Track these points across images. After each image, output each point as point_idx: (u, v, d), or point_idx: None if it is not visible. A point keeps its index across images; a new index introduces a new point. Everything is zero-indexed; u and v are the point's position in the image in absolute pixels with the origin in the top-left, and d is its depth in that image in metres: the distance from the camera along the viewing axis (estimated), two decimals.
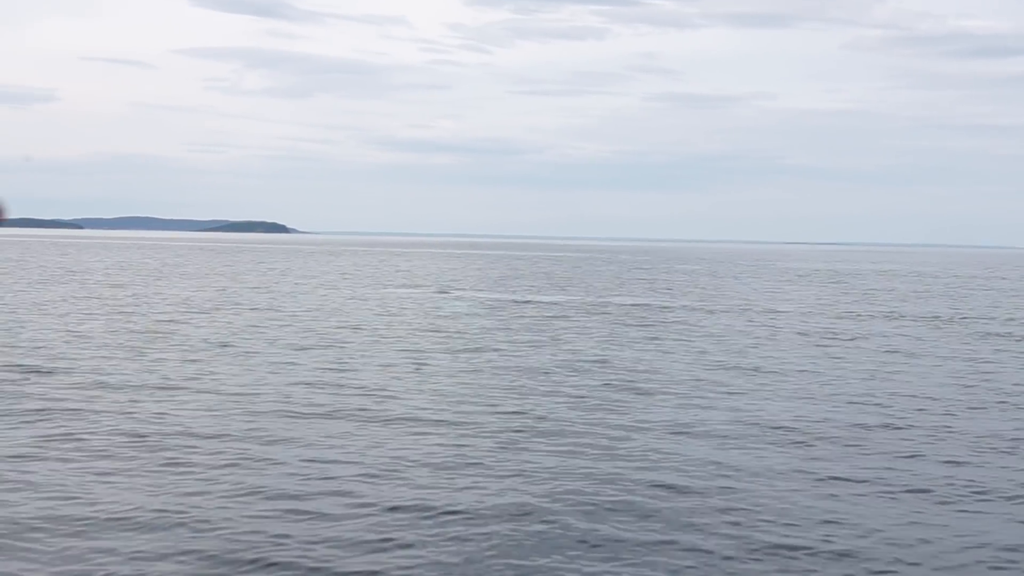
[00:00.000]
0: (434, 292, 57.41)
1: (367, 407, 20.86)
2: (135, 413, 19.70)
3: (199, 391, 22.51)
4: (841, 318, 46.81)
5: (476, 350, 31.10)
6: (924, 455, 17.60)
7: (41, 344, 30.43)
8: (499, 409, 20.95)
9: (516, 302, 52.68)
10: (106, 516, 12.79)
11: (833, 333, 39.30)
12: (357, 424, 19.12)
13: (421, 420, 19.61)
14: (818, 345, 34.94)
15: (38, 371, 24.93)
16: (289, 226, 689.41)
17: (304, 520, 12.85)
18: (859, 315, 48.85)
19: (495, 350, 31.18)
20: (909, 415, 21.42)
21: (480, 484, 14.74)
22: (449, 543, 12.08)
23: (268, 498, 13.77)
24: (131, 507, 13.16)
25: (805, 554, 12.07)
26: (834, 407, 22.29)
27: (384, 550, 11.85)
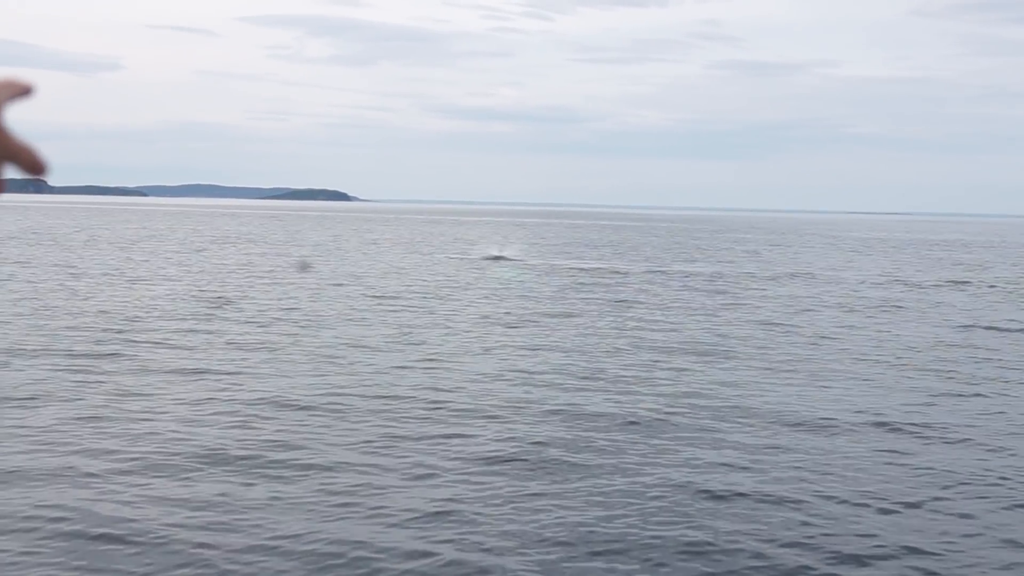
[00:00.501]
0: (490, 259, 56.77)
1: (456, 367, 20.71)
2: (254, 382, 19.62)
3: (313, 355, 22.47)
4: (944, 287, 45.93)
5: (553, 317, 30.90)
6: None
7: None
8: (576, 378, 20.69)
9: (585, 270, 52.33)
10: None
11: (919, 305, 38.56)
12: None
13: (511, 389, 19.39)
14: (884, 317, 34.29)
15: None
16: (351, 194, 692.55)
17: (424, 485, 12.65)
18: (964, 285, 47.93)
19: (570, 316, 31.00)
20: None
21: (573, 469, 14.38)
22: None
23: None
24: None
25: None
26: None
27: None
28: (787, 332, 28.35)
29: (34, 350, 21.91)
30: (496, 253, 59.13)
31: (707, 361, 22.74)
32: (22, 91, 1.45)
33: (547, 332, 27.19)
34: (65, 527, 10.70)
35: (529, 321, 29.37)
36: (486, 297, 36.50)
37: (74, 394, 17.55)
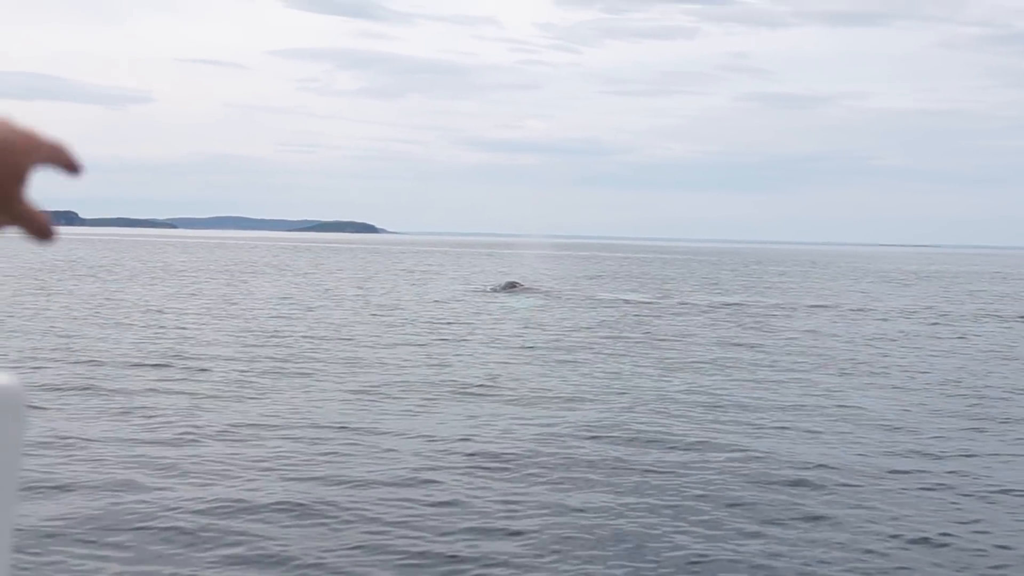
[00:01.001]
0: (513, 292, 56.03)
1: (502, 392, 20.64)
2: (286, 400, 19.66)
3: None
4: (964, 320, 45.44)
5: (568, 349, 30.64)
6: None
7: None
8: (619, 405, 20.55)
9: (620, 301, 52.07)
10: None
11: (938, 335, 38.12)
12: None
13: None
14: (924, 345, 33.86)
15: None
16: (378, 226, 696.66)
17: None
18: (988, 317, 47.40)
19: (588, 349, 30.75)
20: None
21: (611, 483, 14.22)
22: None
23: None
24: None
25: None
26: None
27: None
28: (821, 363, 27.97)
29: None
30: (509, 281, 58.15)
31: (739, 389, 22.35)
32: (66, 163, 1.39)
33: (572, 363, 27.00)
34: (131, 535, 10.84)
35: (551, 349, 29.14)
36: (493, 325, 36.32)
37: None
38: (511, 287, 55.39)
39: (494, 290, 55.11)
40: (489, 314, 41.16)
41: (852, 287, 72.97)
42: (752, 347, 31.05)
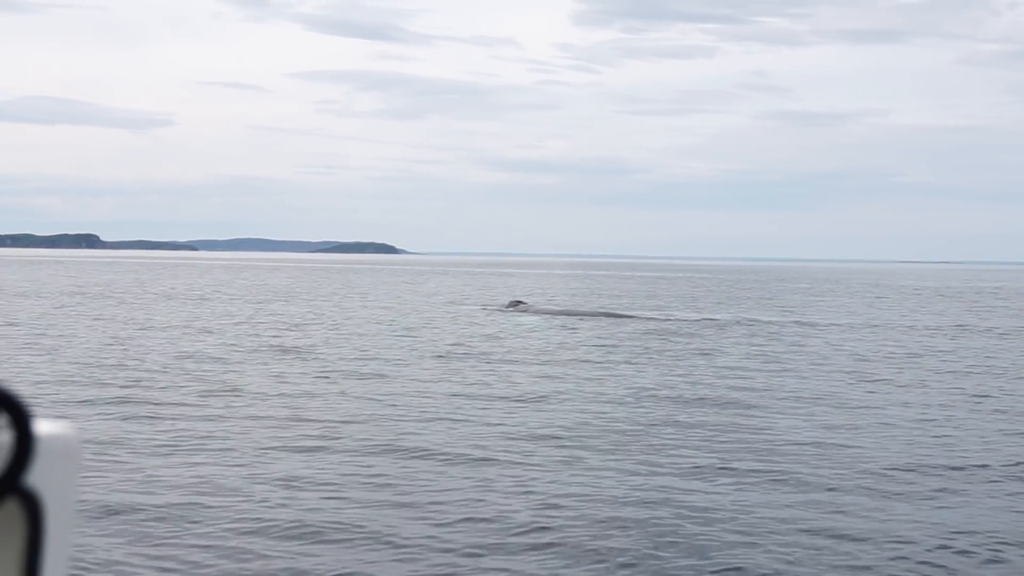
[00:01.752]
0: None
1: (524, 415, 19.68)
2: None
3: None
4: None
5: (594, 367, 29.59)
6: None
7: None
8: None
9: (619, 316, 50.96)
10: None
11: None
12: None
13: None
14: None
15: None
16: (398, 247, 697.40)
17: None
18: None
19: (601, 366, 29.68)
20: None
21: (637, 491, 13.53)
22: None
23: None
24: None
25: None
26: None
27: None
28: (858, 379, 27.22)
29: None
30: (517, 299, 57.42)
31: (776, 409, 21.56)
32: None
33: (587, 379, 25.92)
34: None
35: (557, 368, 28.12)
36: (501, 342, 35.71)
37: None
38: (515, 306, 54.50)
39: (502, 309, 54.42)
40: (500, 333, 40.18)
41: (878, 304, 71.77)
42: (783, 366, 29.95)
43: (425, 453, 16.78)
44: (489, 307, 56.80)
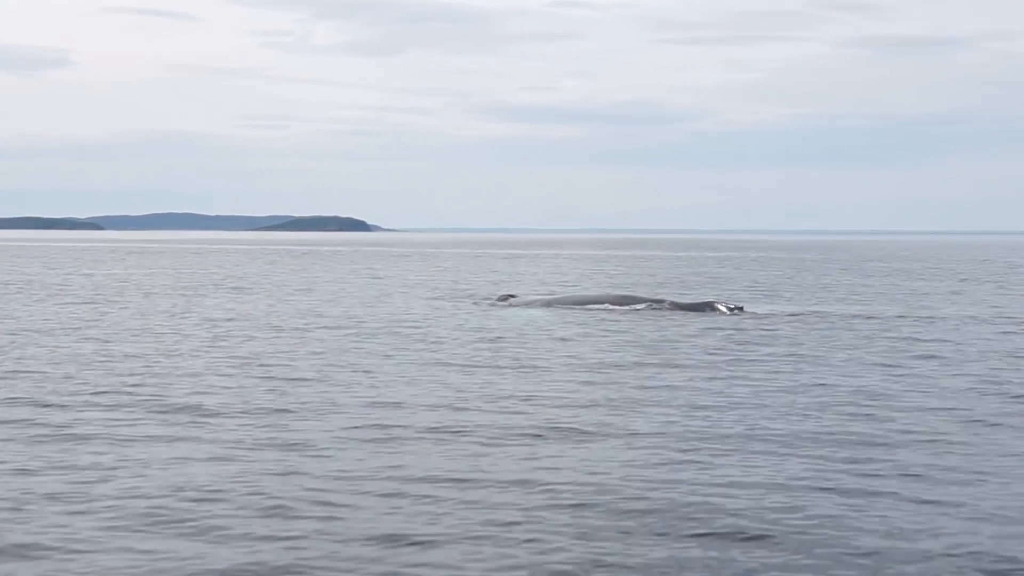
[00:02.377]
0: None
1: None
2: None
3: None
4: None
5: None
6: None
7: None
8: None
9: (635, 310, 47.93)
10: None
11: None
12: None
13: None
14: None
15: None
16: (370, 222, 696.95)
17: None
18: None
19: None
20: None
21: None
22: None
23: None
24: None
25: None
26: None
27: None
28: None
29: None
30: (508, 293, 58.57)
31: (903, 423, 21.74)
32: None
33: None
34: None
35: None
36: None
37: None
38: (507, 298, 55.68)
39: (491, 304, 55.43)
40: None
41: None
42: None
43: None
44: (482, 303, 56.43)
